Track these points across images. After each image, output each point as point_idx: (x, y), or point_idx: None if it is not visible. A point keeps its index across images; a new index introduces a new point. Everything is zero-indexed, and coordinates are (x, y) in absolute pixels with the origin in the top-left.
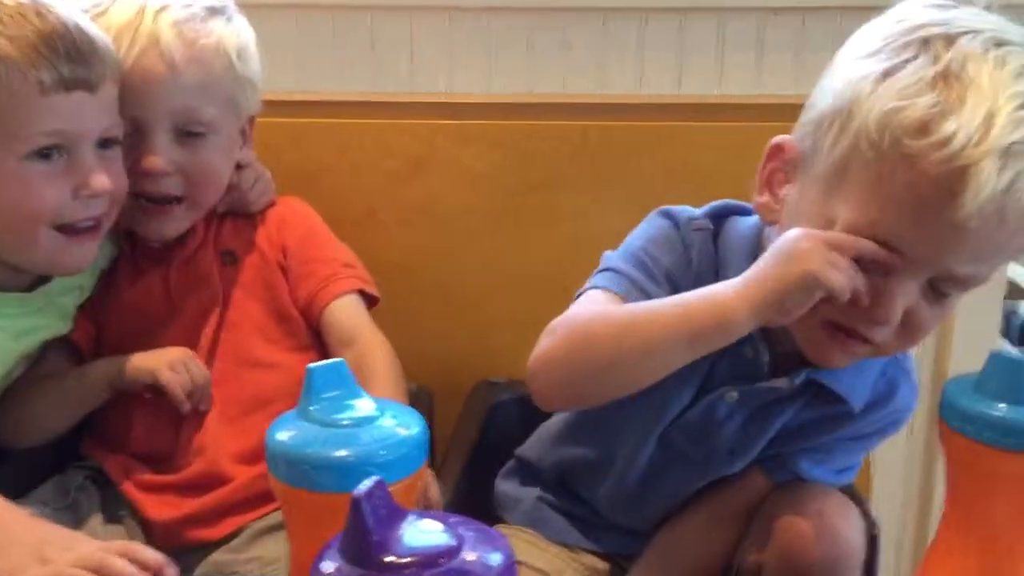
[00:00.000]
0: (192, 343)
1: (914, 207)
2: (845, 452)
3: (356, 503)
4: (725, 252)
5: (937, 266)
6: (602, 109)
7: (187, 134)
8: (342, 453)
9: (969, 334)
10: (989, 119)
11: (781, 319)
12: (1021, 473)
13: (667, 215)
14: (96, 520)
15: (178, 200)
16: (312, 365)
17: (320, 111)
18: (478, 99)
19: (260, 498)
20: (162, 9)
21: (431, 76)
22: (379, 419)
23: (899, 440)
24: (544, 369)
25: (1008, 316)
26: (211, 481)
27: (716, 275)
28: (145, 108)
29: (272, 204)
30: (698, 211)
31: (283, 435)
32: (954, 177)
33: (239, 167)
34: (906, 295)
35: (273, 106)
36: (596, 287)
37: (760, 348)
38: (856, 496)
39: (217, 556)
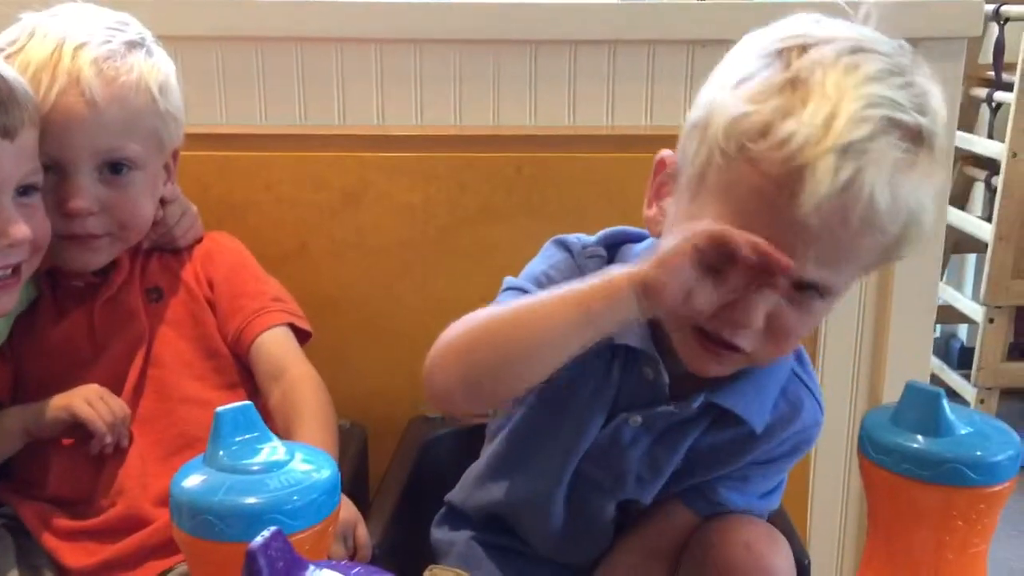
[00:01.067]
0: (118, 382)
1: (761, 210)
2: (762, 477)
3: (251, 556)
4: None
5: (790, 272)
6: (535, 141)
7: (111, 172)
8: (249, 500)
9: (902, 360)
10: (830, 119)
11: (653, 296)
12: (939, 504)
13: (561, 244)
14: (12, 574)
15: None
16: (220, 408)
17: (248, 144)
18: (410, 132)
19: None
20: (81, 46)
21: (361, 109)
22: (289, 463)
23: (836, 470)
24: (441, 367)
25: (947, 340)
26: (131, 524)
27: None
28: (67, 148)
29: (199, 240)
30: (591, 238)
31: (188, 482)
32: (793, 176)
33: (163, 202)
34: (766, 299)
35: (201, 139)
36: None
37: (660, 370)
38: (785, 526)
39: None
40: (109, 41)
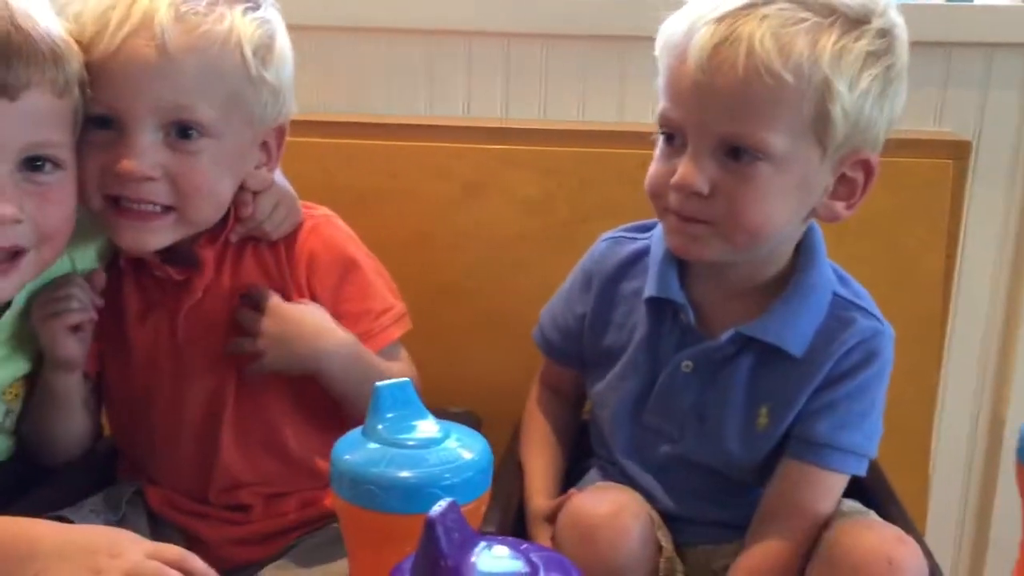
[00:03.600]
0: (207, 395)
1: (675, 86)
2: (848, 400)
3: (430, 525)
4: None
5: (705, 128)
6: None
7: (178, 135)
8: (407, 474)
9: None
10: (713, 8)
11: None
12: None
13: (583, 261)
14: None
15: (165, 209)
16: (379, 384)
17: (375, 133)
18: (532, 125)
19: (307, 522)
20: None
21: (486, 102)
22: (444, 441)
23: (955, 480)
24: None
25: None
26: (244, 518)
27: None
28: (128, 100)
29: (299, 226)
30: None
31: (349, 454)
32: (684, 46)
33: (255, 193)
34: (699, 165)
35: (328, 127)
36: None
37: (688, 313)
38: (921, 542)
39: (268, 573)
40: None
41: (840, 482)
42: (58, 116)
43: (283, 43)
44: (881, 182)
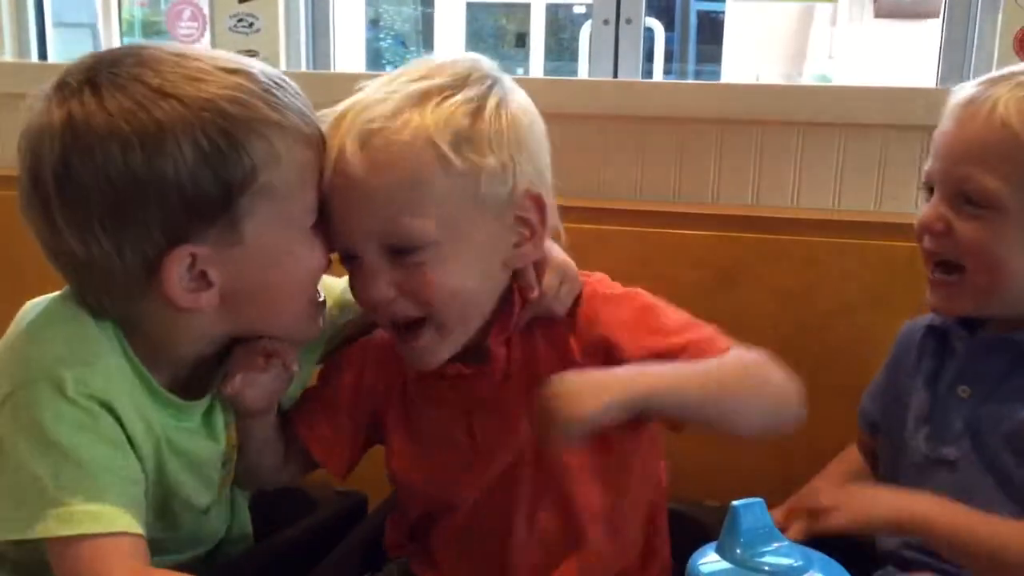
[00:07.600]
0: (507, 491)
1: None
2: None
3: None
4: None
5: (944, 174)
6: None
7: (397, 252)
8: None
9: None
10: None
11: None
12: None
13: None
14: None
15: (420, 321)
16: (736, 503)
17: (624, 219)
18: (784, 214)
19: None
20: (361, 110)
21: (736, 189)
22: (807, 572)
23: None
24: None
25: None
26: None
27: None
28: (345, 233)
29: (580, 293)
30: None
31: (707, 569)
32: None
33: (537, 269)
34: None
35: (576, 212)
36: None
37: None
38: None
39: None
40: (392, 94)
41: None
42: None
43: (496, 115)
44: None
